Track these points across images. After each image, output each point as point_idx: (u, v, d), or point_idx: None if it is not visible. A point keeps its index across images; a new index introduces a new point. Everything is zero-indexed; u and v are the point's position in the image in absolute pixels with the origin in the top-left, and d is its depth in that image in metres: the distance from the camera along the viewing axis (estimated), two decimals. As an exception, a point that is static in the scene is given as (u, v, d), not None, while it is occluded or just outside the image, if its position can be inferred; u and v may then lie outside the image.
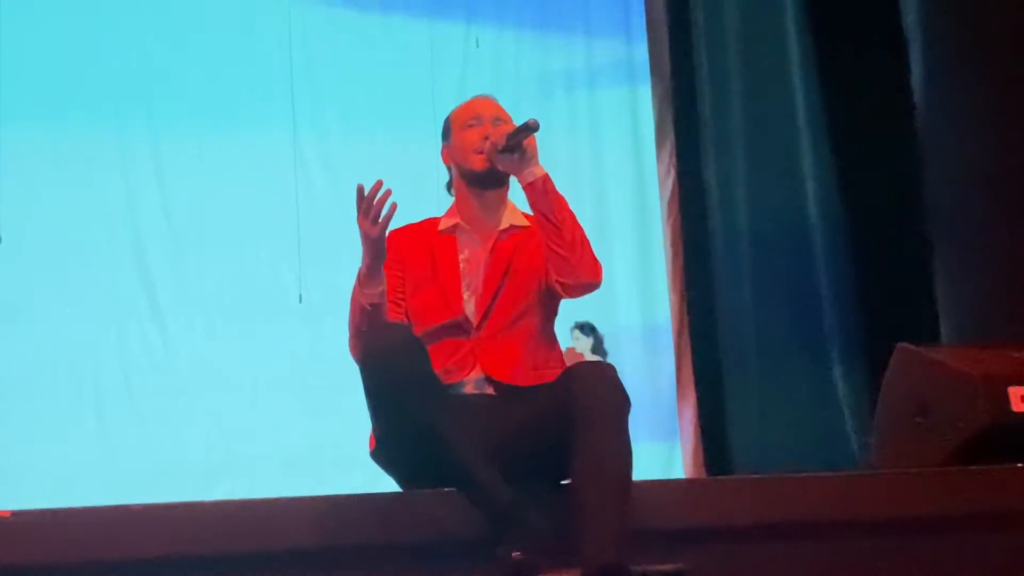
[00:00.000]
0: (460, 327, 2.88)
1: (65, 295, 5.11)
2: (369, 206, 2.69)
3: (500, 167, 2.90)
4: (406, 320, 2.92)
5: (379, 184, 2.68)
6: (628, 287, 5.66)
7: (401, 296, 2.95)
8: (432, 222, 3.04)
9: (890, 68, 5.10)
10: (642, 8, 5.98)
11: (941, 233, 4.82)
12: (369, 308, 2.76)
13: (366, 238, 2.73)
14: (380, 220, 2.69)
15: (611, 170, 5.81)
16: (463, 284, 2.92)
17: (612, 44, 5.95)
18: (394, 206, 2.70)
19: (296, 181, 5.42)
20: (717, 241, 5.71)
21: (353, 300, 2.80)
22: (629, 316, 5.69)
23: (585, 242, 2.84)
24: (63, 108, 5.25)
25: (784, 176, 5.53)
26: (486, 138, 2.91)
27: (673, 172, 5.82)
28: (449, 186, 3.07)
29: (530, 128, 2.79)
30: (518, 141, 2.82)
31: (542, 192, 2.82)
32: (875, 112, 5.20)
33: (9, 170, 5.11)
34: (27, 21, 5.22)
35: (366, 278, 2.76)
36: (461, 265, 2.95)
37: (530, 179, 2.83)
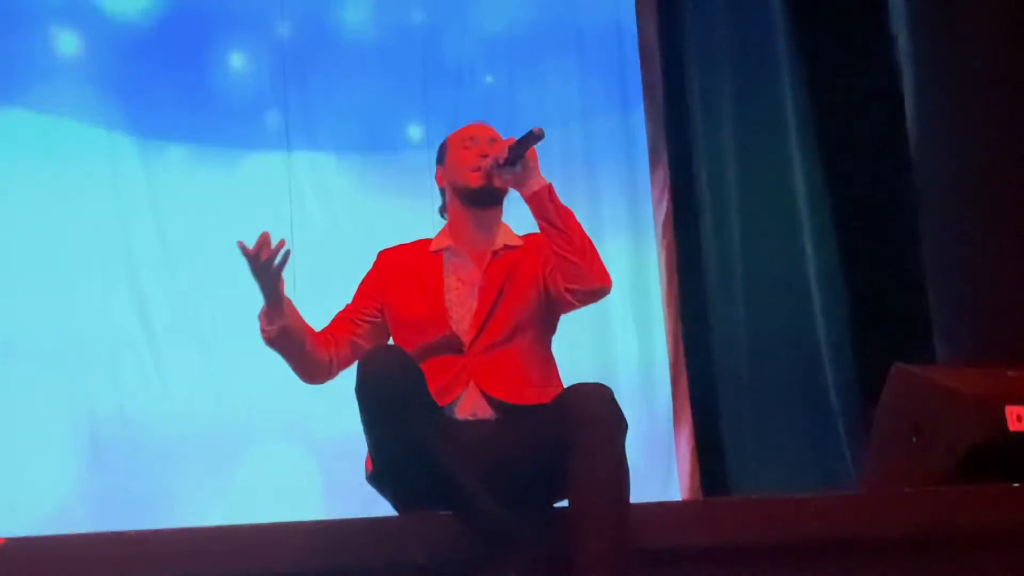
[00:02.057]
0: (451, 345, 2.88)
1: (59, 324, 5.10)
2: (254, 260, 2.74)
3: (501, 181, 2.90)
4: (359, 341, 2.96)
5: (266, 236, 2.73)
6: (623, 309, 5.67)
7: (364, 316, 2.98)
8: (424, 242, 3.06)
9: (882, 81, 5.12)
10: (634, 33, 6.00)
11: (935, 251, 4.83)
12: (271, 345, 2.86)
13: (261, 285, 2.79)
14: (272, 269, 2.75)
15: (605, 193, 5.83)
16: (453, 304, 2.93)
17: (605, 67, 5.97)
18: (287, 255, 2.74)
19: (291, 207, 5.42)
20: (711, 263, 5.71)
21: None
22: (625, 338, 5.69)
23: (593, 248, 2.84)
24: (55, 137, 5.25)
25: (777, 196, 5.54)
26: (484, 156, 2.92)
27: (667, 195, 5.83)
28: (442, 210, 3.08)
29: (535, 137, 2.79)
30: (521, 152, 2.82)
31: (548, 201, 2.83)
32: (868, 125, 5.22)
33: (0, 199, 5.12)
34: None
35: (263, 316, 2.85)
36: (451, 285, 2.95)
37: (535, 188, 2.83)
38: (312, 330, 2.94)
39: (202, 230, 5.30)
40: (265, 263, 2.74)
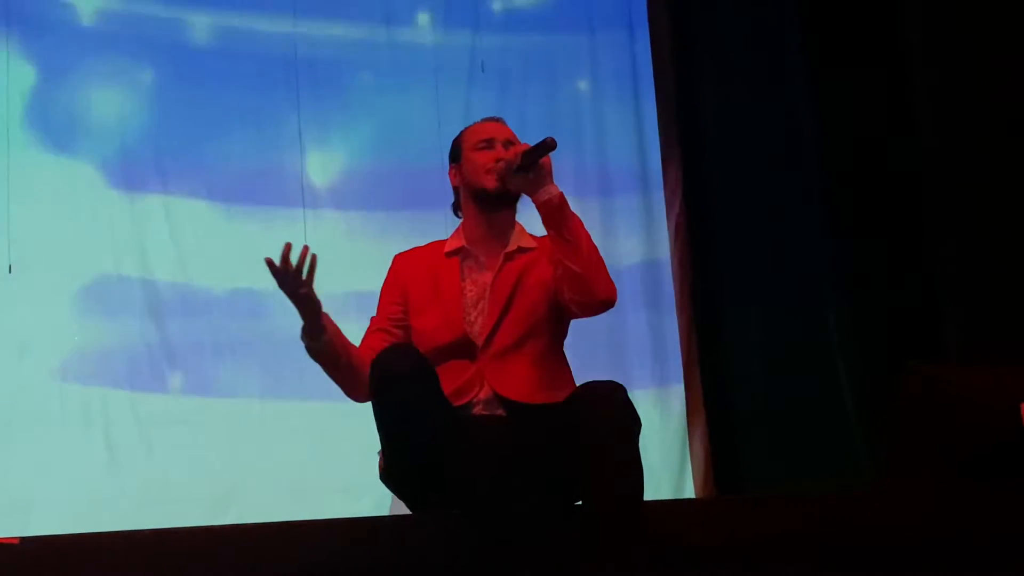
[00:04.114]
0: (465, 349, 2.88)
1: (74, 325, 5.12)
2: (281, 275, 2.72)
3: (514, 187, 2.90)
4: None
5: (288, 248, 2.71)
6: (636, 310, 5.66)
7: (396, 324, 2.97)
8: (438, 244, 3.06)
9: (895, 76, 5.11)
10: (646, 29, 6.00)
11: (946, 247, 4.81)
12: (318, 359, 2.84)
13: (292, 298, 2.77)
14: (303, 279, 2.73)
15: (618, 192, 5.82)
16: (468, 306, 2.93)
17: (617, 65, 5.97)
18: (314, 259, 2.73)
19: (304, 208, 5.43)
20: (724, 263, 5.70)
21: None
22: (638, 336, 5.68)
23: (600, 260, 2.84)
24: (74, 140, 5.27)
25: (791, 193, 5.52)
26: (499, 160, 2.92)
27: (679, 194, 5.82)
28: (456, 208, 3.08)
29: (547, 147, 2.80)
30: (534, 160, 2.83)
31: (557, 210, 2.82)
32: (881, 119, 5.20)
33: (20, 201, 5.13)
34: (43, 60, 5.28)
35: (305, 332, 2.83)
36: (466, 287, 2.96)
37: (545, 197, 2.83)
38: (354, 347, 2.92)
39: (215, 229, 5.33)
40: (293, 276, 2.73)
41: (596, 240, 2.89)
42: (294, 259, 2.74)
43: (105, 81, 5.34)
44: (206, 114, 5.43)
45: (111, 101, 5.34)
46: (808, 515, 2.96)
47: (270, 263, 2.73)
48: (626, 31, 6.00)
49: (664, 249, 5.82)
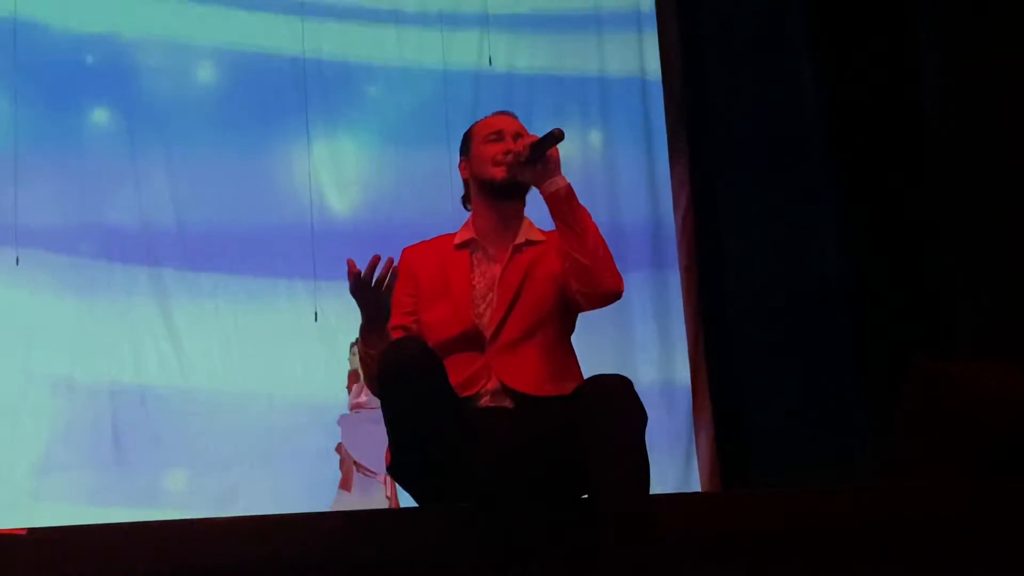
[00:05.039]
0: (474, 341, 2.88)
1: (81, 315, 5.13)
2: (365, 285, 2.71)
3: (522, 178, 2.91)
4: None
5: (376, 260, 2.71)
6: (643, 303, 5.67)
7: (413, 317, 2.97)
8: (447, 238, 3.06)
9: (901, 66, 5.12)
10: (654, 20, 6.01)
11: (953, 243, 4.81)
12: (365, 364, 2.83)
13: (364, 306, 2.77)
14: (382, 291, 2.73)
15: (625, 186, 5.83)
16: (477, 298, 2.93)
17: (625, 57, 5.97)
18: (396, 270, 2.73)
19: (311, 200, 5.44)
20: (731, 255, 5.70)
21: (361, 353, 2.85)
22: (645, 330, 5.69)
23: (607, 251, 2.84)
24: (79, 128, 5.29)
25: (797, 189, 5.53)
26: (508, 152, 2.93)
27: (687, 188, 5.83)
28: (465, 201, 3.09)
29: (555, 138, 2.81)
30: (542, 151, 2.84)
31: (565, 201, 2.83)
32: (890, 119, 5.20)
33: (27, 191, 5.14)
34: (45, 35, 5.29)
35: (368, 335, 2.81)
36: (475, 279, 2.96)
37: (552, 189, 2.84)
38: None
39: (221, 219, 5.34)
40: (375, 285, 2.72)
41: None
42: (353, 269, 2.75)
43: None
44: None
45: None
46: (813, 510, 2.95)
47: (352, 276, 2.72)
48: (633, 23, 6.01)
49: (671, 244, 5.82)
